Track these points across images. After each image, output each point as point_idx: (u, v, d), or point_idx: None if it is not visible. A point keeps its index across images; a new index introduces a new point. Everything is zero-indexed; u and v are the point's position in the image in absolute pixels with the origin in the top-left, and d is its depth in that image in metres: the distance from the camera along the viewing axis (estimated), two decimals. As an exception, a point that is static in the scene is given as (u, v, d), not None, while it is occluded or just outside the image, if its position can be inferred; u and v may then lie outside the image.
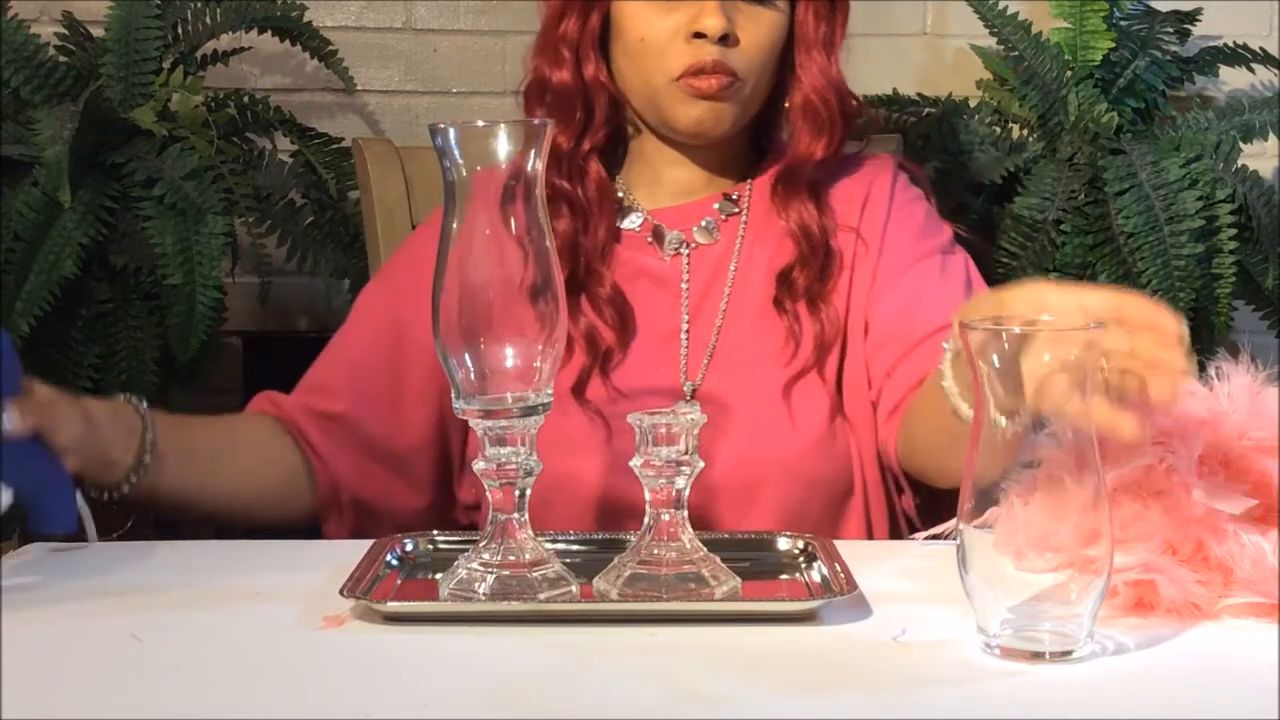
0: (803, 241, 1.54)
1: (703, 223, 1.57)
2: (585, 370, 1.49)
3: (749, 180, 1.60)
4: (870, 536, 1.49)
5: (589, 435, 1.47)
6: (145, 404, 1.38)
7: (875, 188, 1.58)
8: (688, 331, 1.53)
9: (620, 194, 1.59)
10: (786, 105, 1.56)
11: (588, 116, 1.54)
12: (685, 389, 1.51)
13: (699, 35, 1.48)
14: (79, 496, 1.29)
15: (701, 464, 1.12)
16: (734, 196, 1.58)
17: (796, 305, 1.52)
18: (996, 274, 2.05)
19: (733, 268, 1.55)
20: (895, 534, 1.52)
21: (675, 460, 1.11)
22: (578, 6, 1.54)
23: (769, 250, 1.55)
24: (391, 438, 1.53)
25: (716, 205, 1.58)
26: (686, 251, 1.56)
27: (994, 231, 2.08)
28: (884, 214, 1.56)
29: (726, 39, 1.48)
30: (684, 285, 1.54)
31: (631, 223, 1.58)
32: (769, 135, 1.62)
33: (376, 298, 1.60)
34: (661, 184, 1.59)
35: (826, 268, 1.53)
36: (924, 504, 1.53)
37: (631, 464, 1.12)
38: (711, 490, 1.42)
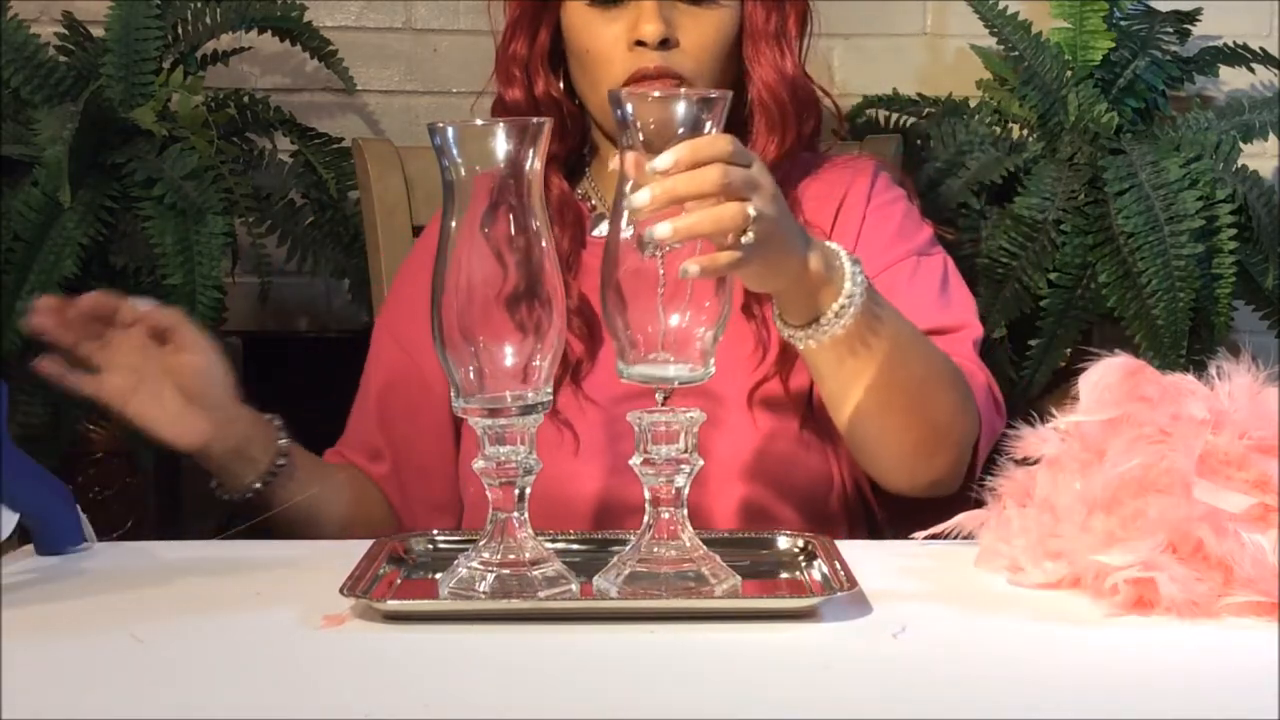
0: None
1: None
2: (555, 382, 1.47)
3: None
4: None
5: (559, 444, 1.47)
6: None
7: (852, 191, 1.56)
8: (664, 293, 1.51)
9: (594, 202, 1.59)
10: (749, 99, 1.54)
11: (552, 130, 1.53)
12: (656, 396, 1.50)
13: (640, 43, 1.47)
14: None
15: (701, 462, 1.12)
16: None
17: (764, 310, 1.50)
18: (996, 274, 2.05)
19: None
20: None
21: (675, 458, 1.11)
22: (525, 26, 1.54)
23: None
24: (432, 486, 1.56)
25: None
26: (660, 256, 1.54)
27: (993, 231, 2.07)
28: (859, 218, 1.54)
29: (666, 43, 1.47)
30: (660, 291, 1.53)
31: (604, 230, 1.57)
32: (745, 134, 1.57)
33: (385, 342, 1.61)
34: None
35: None
36: (890, 518, 1.52)
37: (631, 462, 1.12)
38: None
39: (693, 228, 1.10)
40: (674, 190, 1.08)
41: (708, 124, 1.11)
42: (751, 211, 1.12)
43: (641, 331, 1.11)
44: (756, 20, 1.51)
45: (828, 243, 1.28)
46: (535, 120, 1.10)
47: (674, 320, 1.11)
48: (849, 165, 1.60)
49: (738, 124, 1.56)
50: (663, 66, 1.47)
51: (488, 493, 1.11)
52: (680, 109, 1.11)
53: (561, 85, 1.56)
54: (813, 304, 1.26)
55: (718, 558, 1.12)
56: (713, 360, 1.13)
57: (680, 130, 1.10)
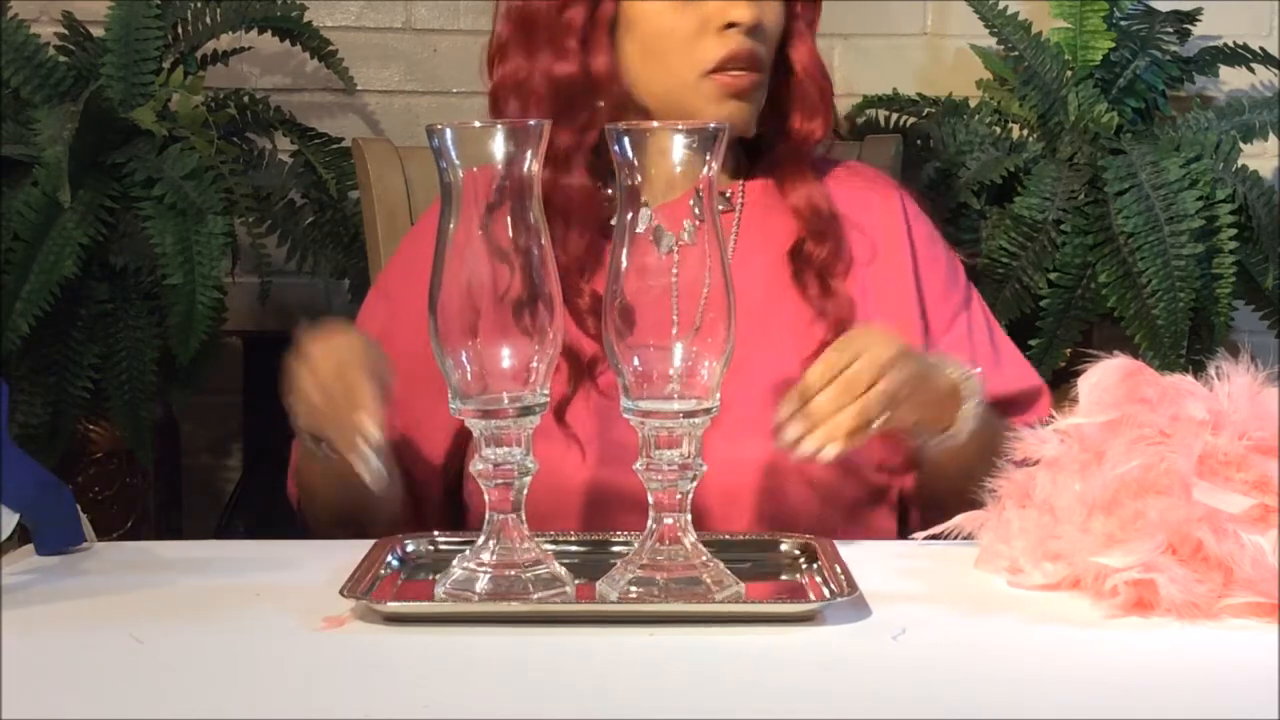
0: (813, 219, 1.51)
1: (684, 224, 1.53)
2: (566, 397, 1.43)
3: (740, 180, 1.56)
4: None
5: (569, 455, 1.43)
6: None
7: (887, 218, 1.56)
8: (676, 331, 1.49)
9: (611, 191, 1.56)
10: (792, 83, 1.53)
11: (592, 112, 1.46)
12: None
13: (730, 25, 1.44)
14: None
15: (704, 467, 1.12)
16: (727, 194, 1.55)
17: (814, 281, 1.49)
18: (996, 274, 2.05)
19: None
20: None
21: (679, 464, 1.11)
22: None
23: (767, 254, 1.52)
24: (432, 446, 1.50)
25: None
26: (677, 251, 1.52)
27: (993, 231, 2.08)
28: (907, 254, 1.54)
29: (755, 29, 1.45)
30: (674, 280, 1.51)
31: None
32: (784, 120, 1.54)
33: (378, 307, 1.56)
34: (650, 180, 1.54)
35: (840, 247, 1.51)
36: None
37: (635, 467, 1.12)
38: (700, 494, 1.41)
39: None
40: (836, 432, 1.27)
41: (708, 157, 1.11)
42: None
43: (652, 368, 1.10)
44: (796, 8, 1.51)
45: (946, 358, 1.37)
46: (534, 122, 1.10)
47: (680, 355, 1.10)
48: (874, 181, 1.60)
49: (776, 111, 1.54)
50: (752, 51, 1.45)
51: (485, 494, 1.11)
52: (680, 142, 1.10)
53: None
54: (946, 422, 1.36)
55: (720, 564, 1.12)
56: (718, 394, 1.12)
57: (678, 168, 1.10)
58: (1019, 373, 1.55)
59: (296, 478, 1.51)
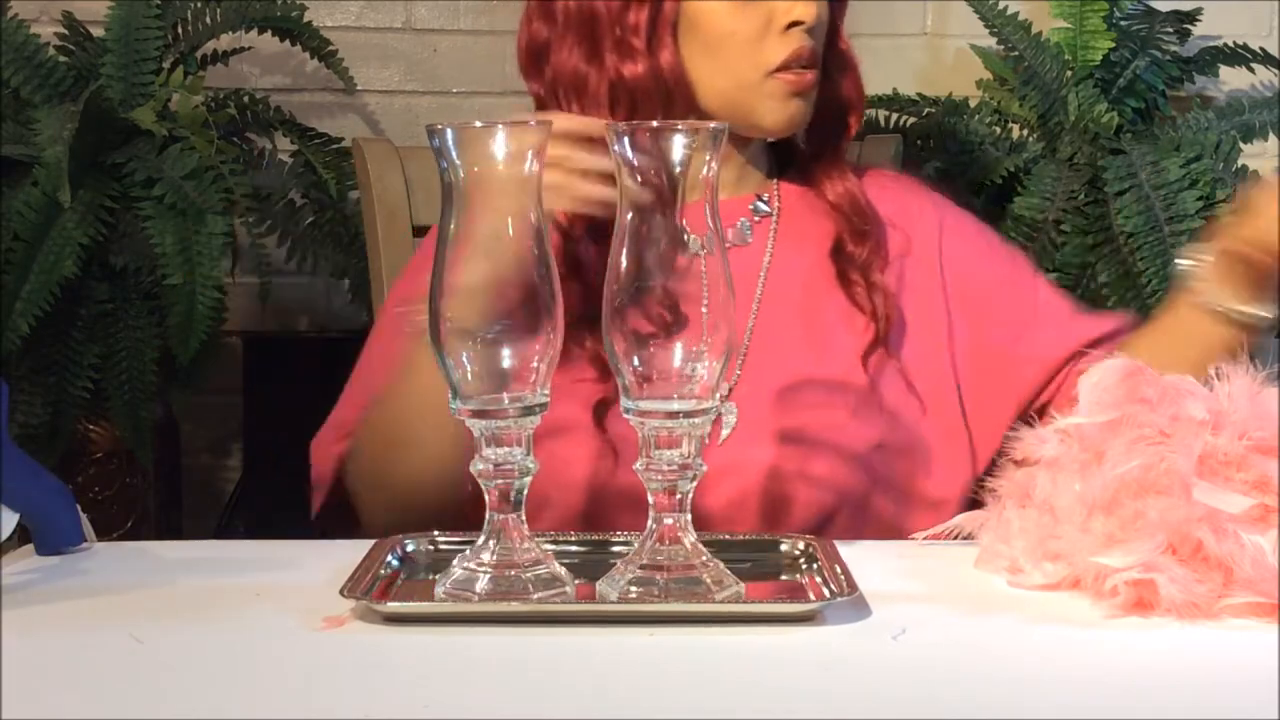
0: (853, 214, 1.50)
1: (737, 224, 1.52)
2: (607, 400, 1.41)
3: (775, 181, 1.56)
4: None
5: (599, 460, 1.42)
6: None
7: (920, 209, 1.56)
8: (706, 333, 1.48)
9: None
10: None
11: (658, 112, 1.44)
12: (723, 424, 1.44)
13: (795, 24, 1.43)
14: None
15: (704, 467, 1.12)
16: (764, 198, 1.55)
17: (859, 279, 1.48)
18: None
19: (763, 272, 1.50)
20: None
21: (679, 464, 1.11)
22: None
23: (806, 255, 1.51)
24: None
25: (751, 207, 1.54)
26: (704, 254, 1.51)
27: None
28: (935, 229, 1.54)
29: (814, 27, 1.44)
30: (703, 286, 1.50)
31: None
32: (837, 121, 1.55)
33: (390, 332, 1.57)
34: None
35: (880, 244, 1.51)
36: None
37: (635, 467, 1.12)
38: (745, 501, 1.41)
39: None
40: None
41: (708, 157, 1.10)
42: None
43: (655, 368, 1.10)
44: (833, 4, 1.52)
45: None
46: (534, 122, 1.10)
47: (680, 353, 1.10)
48: (910, 186, 1.61)
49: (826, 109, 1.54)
50: (814, 48, 1.45)
51: (485, 494, 1.11)
52: (680, 142, 1.10)
53: None
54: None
55: (720, 564, 1.12)
56: (718, 394, 1.12)
57: (678, 168, 1.10)
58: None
59: (369, 432, 1.42)
